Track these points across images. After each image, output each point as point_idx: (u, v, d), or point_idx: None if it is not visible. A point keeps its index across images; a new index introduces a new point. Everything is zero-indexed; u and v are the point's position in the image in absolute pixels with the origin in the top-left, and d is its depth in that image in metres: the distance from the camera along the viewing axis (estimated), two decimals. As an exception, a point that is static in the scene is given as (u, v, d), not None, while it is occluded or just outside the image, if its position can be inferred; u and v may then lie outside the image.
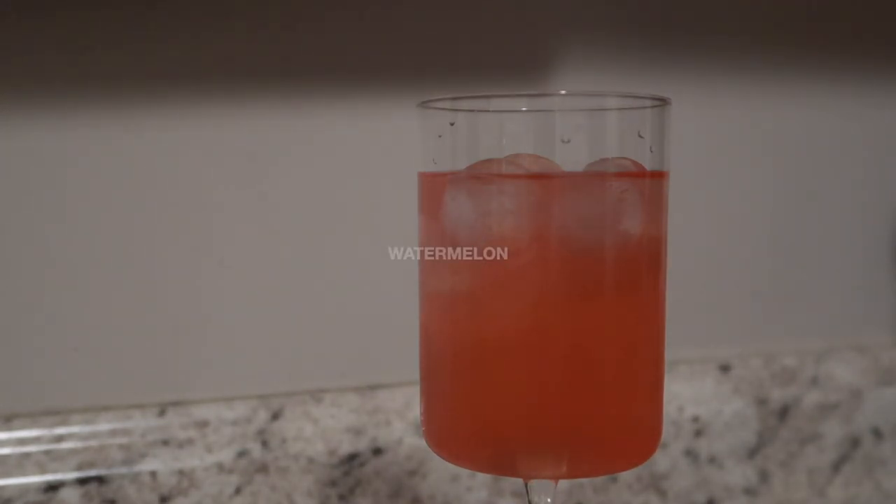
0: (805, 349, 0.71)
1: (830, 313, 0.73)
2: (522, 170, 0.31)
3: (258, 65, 0.58)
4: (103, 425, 0.57)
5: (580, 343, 0.34)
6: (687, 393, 0.67)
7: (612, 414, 0.36)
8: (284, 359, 0.61)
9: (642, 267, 0.36)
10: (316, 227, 0.60)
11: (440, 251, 0.34)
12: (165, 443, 0.57)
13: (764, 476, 0.68)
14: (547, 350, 0.34)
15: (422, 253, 0.37)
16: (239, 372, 0.60)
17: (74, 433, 0.57)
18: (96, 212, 0.57)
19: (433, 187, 0.36)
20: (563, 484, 0.63)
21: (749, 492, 0.68)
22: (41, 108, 0.55)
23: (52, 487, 0.55)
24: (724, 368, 0.68)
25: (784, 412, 0.68)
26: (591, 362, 0.34)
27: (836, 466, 0.70)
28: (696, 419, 0.66)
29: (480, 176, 0.34)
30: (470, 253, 0.35)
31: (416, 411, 0.62)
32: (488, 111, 0.35)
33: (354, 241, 0.61)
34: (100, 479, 0.56)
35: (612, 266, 0.34)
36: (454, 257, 0.35)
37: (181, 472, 0.57)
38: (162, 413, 0.58)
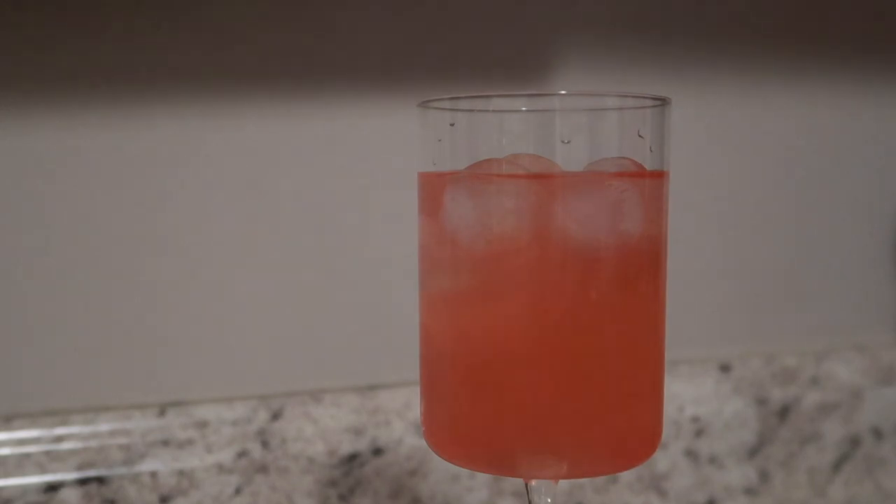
0: (805, 349, 0.71)
1: (830, 313, 0.73)
2: (522, 170, 0.31)
3: (258, 65, 0.58)
4: (103, 425, 0.57)
5: (580, 342, 0.34)
6: (687, 393, 0.67)
7: (613, 414, 0.36)
8: (284, 359, 0.61)
9: (642, 267, 0.36)
10: (316, 227, 0.60)
11: (440, 251, 0.34)
12: (165, 443, 0.57)
13: (764, 476, 0.68)
14: (547, 349, 0.34)
15: (422, 253, 0.37)
16: (239, 372, 0.60)
17: (74, 433, 0.57)
18: (96, 212, 0.57)
19: (433, 187, 0.36)
20: (564, 484, 0.63)
21: (749, 492, 0.68)
22: (42, 109, 0.55)
23: (52, 488, 0.55)
24: (724, 368, 0.68)
25: (784, 412, 0.68)
26: (590, 362, 0.34)
27: (837, 466, 0.70)
28: (696, 419, 0.66)
29: (480, 176, 0.34)
30: (470, 253, 0.35)
31: (416, 411, 0.62)
32: (488, 111, 0.35)
33: (354, 241, 0.61)
34: (100, 480, 0.56)
35: (612, 266, 0.34)
36: (454, 257, 0.35)
37: (181, 473, 0.57)
38: (162, 413, 0.58)
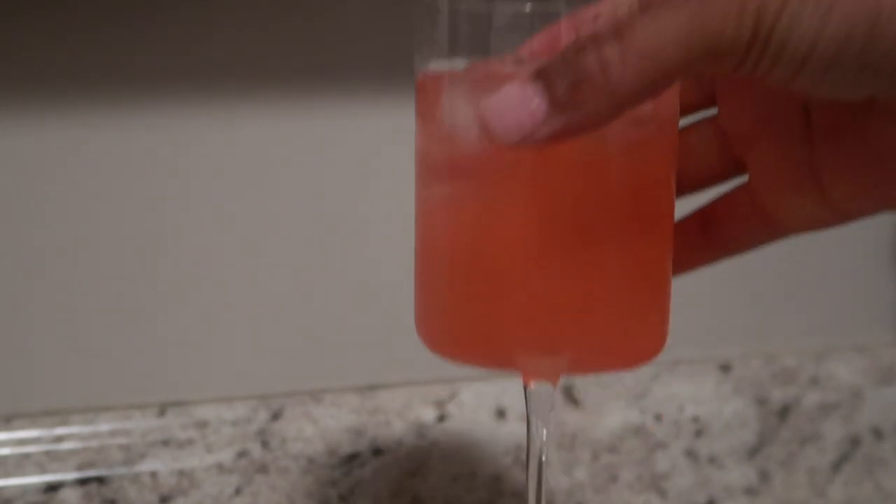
0: (805, 349, 0.71)
1: (830, 313, 0.73)
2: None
3: (259, 64, 0.58)
4: (103, 425, 0.57)
5: (583, 235, 0.33)
6: (687, 393, 0.67)
7: (616, 309, 0.34)
8: (284, 359, 0.61)
9: (651, 159, 0.34)
10: (316, 227, 0.60)
11: (438, 155, 0.33)
12: (165, 443, 0.57)
13: (764, 476, 0.68)
14: (549, 243, 0.33)
15: (419, 160, 0.36)
16: (239, 372, 0.60)
17: (74, 433, 0.57)
18: (96, 211, 0.57)
19: (431, 90, 0.35)
20: (563, 483, 0.63)
21: (749, 492, 0.68)
22: (40, 108, 0.55)
23: (52, 488, 0.55)
24: (725, 368, 0.68)
25: (784, 412, 0.68)
26: (594, 255, 0.33)
27: (837, 466, 0.70)
28: (696, 419, 0.66)
29: (478, 75, 0.33)
30: (469, 153, 0.33)
31: (416, 411, 0.62)
32: (488, 4, 0.33)
33: (355, 241, 0.61)
34: (100, 480, 0.56)
35: (619, 157, 0.33)
36: (452, 160, 0.34)
37: (181, 473, 0.57)
38: (162, 413, 0.58)
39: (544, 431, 0.37)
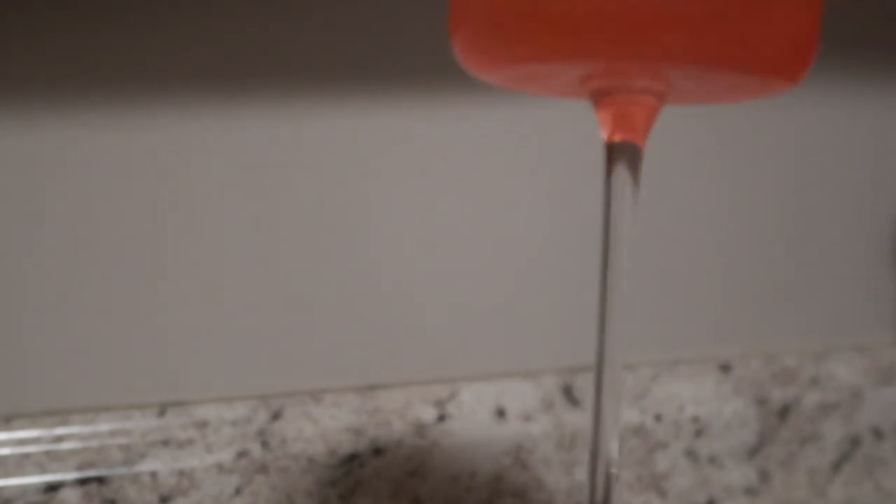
0: (805, 349, 0.71)
1: (830, 313, 0.73)
2: None
3: (257, 64, 0.58)
4: (103, 425, 0.57)
5: None
6: (687, 393, 0.67)
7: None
8: (284, 359, 0.61)
9: None
10: (316, 227, 0.60)
11: None
12: (165, 443, 0.57)
13: (764, 476, 0.68)
14: None
15: None
16: (239, 372, 0.60)
17: (74, 433, 0.57)
18: (96, 211, 0.57)
19: None
20: (563, 484, 0.63)
21: (749, 492, 0.68)
22: (40, 108, 0.55)
23: (52, 488, 0.55)
24: (725, 368, 0.68)
25: (784, 412, 0.68)
26: None
27: (837, 466, 0.70)
28: (696, 419, 0.66)
29: None
30: None
31: (416, 411, 0.62)
32: None
33: (355, 241, 0.61)
34: (100, 480, 0.56)
35: None
36: None
37: (181, 473, 0.57)
38: (162, 413, 0.58)
39: (629, 211, 0.29)
